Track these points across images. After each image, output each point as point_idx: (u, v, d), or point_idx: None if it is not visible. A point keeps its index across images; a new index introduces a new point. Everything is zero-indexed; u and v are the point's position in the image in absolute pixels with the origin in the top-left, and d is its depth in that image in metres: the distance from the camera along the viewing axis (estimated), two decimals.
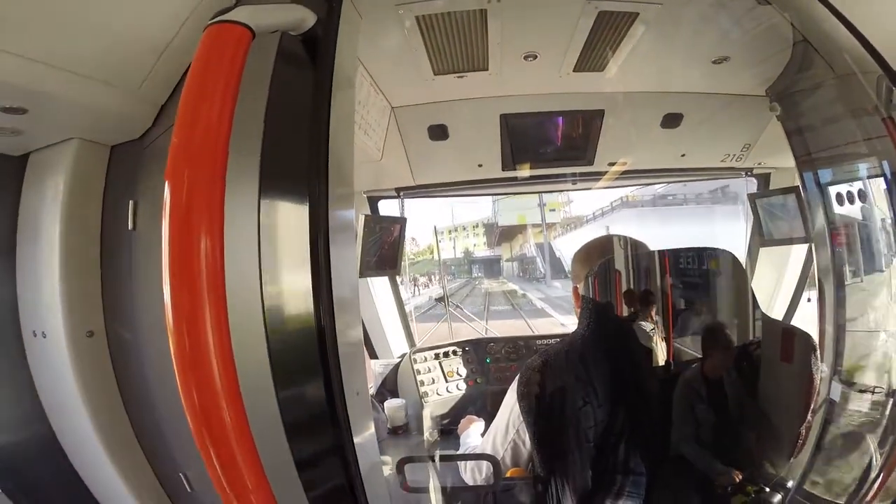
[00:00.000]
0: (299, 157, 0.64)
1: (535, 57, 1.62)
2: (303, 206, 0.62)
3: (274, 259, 0.62)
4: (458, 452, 1.59)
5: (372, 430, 0.96)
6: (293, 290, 0.63)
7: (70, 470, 1.29)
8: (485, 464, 1.32)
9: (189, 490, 1.16)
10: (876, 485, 1.20)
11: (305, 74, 0.73)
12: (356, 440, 0.79)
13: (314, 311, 0.59)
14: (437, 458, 1.47)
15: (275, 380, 0.62)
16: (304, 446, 0.66)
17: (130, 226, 1.08)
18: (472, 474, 1.37)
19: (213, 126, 0.48)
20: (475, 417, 1.89)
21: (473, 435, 1.73)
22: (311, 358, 0.62)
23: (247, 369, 0.60)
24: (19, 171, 1.18)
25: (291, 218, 0.64)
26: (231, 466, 0.51)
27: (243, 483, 0.52)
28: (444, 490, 1.32)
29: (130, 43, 0.92)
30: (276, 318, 0.62)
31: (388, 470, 1.48)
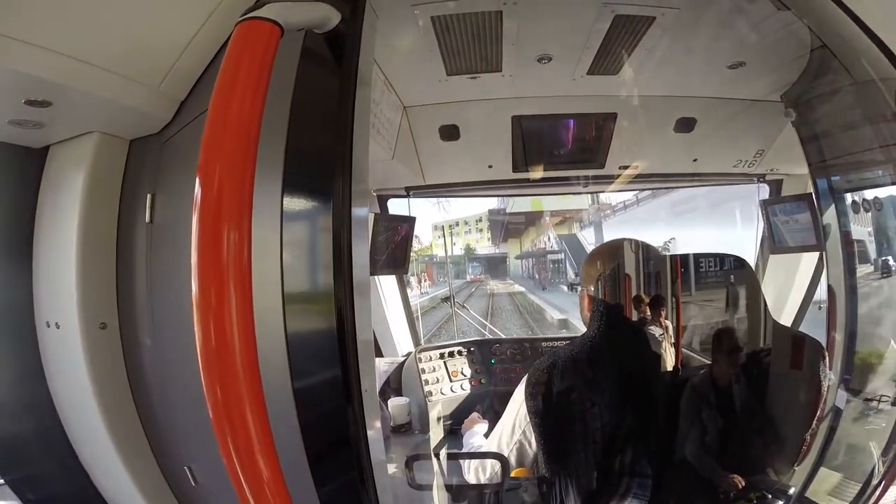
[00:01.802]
0: (322, 154, 0.65)
1: (550, 59, 1.62)
2: (325, 203, 0.63)
3: (295, 254, 0.63)
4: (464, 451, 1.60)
5: (379, 427, 0.97)
6: (313, 285, 0.63)
7: (75, 461, 1.30)
8: (489, 463, 1.32)
9: (194, 483, 1.17)
10: (878, 492, 1.20)
11: (328, 72, 0.74)
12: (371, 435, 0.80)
13: (335, 307, 0.60)
14: (444, 456, 1.48)
15: (292, 374, 0.63)
16: (318, 442, 0.67)
17: (147, 219, 1.09)
18: (476, 473, 1.37)
19: (245, 121, 0.49)
20: (478, 418, 1.90)
21: (477, 435, 1.73)
22: (328, 354, 0.62)
23: (265, 364, 0.61)
24: (39, 164, 1.19)
25: (313, 214, 0.64)
26: (249, 458, 0.52)
27: (259, 475, 0.53)
28: (450, 488, 1.33)
29: (153, 39, 0.93)
30: (295, 312, 0.62)
31: (392, 468, 1.49)
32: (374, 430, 0.85)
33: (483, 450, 1.40)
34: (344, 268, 0.60)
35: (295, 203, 0.64)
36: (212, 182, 0.46)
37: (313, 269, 0.63)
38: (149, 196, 1.08)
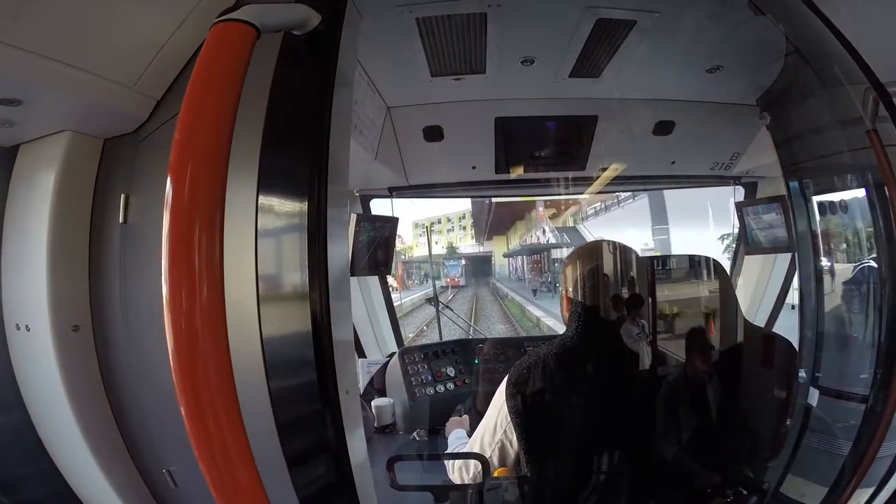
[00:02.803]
0: (298, 156, 0.64)
1: (533, 62, 1.63)
2: (300, 204, 0.62)
3: (270, 256, 0.62)
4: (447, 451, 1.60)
5: (361, 428, 0.97)
6: (288, 287, 0.63)
7: (51, 465, 1.27)
8: (472, 463, 1.33)
9: (174, 486, 1.15)
10: (849, 488, 1.24)
11: (307, 73, 0.73)
12: (350, 438, 0.80)
13: (310, 309, 0.59)
14: (426, 457, 1.48)
15: (268, 377, 0.62)
16: (296, 445, 0.66)
17: (121, 219, 1.06)
18: (460, 473, 1.38)
19: (217, 123, 0.48)
20: (461, 418, 1.90)
21: (461, 435, 1.74)
22: (304, 356, 0.62)
23: (240, 366, 0.61)
24: (8, 163, 1.16)
25: (289, 215, 0.64)
26: (225, 463, 0.51)
27: (237, 480, 0.52)
28: (431, 488, 1.33)
29: (130, 38, 0.92)
30: (270, 314, 0.62)
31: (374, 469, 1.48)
32: (354, 433, 0.85)
33: (465, 449, 1.40)
34: (319, 269, 0.60)
35: (270, 204, 0.63)
36: (183, 182, 0.46)
37: (289, 270, 0.63)
38: (123, 196, 1.05)
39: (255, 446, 0.61)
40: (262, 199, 0.61)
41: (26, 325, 1.15)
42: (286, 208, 0.65)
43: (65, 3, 0.80)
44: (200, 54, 0.51)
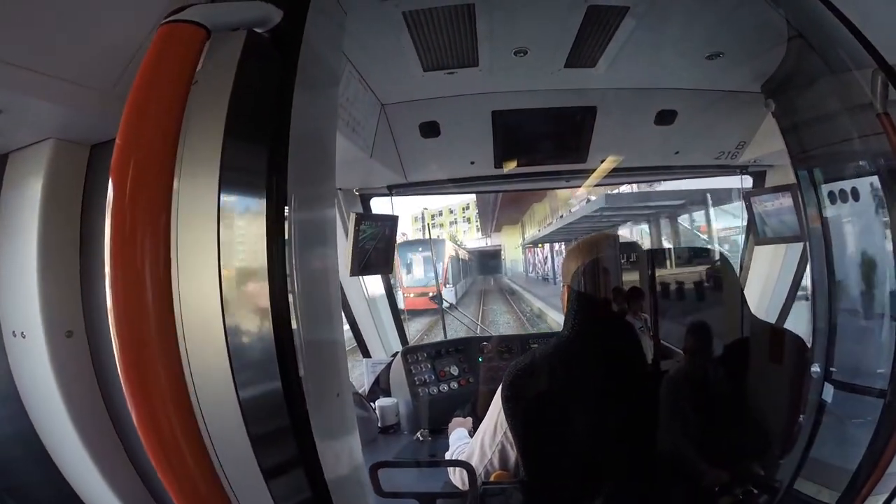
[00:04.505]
0: (262, 155, 0.63)
1: (526, 52, 1.60)
2: (260, 204, 0.61)
3: (233, 259, 0.61)
4: (448, 454, 1.58)
5: (355, 431, 0.95)
6: (253, 291, 0.61)
7: (54, 470, 1.29)
8: (476, 465, 1.31)
9: None
10: (865, 487, 1.19)
11: (273, 71, 0.71)
12: (331, 444, 0.78)
13: (271, 314, 0.58)
14: (414, 463, 1.46)
15: (236, 386, 0.60)
16: (270, 456, 0.65)
17: None
18: (462, 476, 1.36)
19: (161, 125, 0.47)
20: (463, 419, 1.88)
21: (462, 435, 1.72)
22: (272, 362, 0.60)
23: (206, 375, 0.59)
24: None
25: (251, 218, 0.62)
26: (183, 473, 0.50)
27: (197, 490, 0.51)
28: (417, 496, 1.31)
29: (102, 43, 0.91)
30: (235, 321, 0.60)
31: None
32: (335, 440, 0.83)
33: (467, 452, 1.39)
34: (276, 269, 0.58)
35: (232, 208, 0.61)
36: (124, 186, 0.44)
37: (252, 273, 0.61)
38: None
39: (234, 460, 0.60)
40: (224, 203, 0.60)
41: (21, 332, 1.17)
42: (248, 211, 0.63)
43: (35, 10, 0.80)
44: (145, 57, 0.50)
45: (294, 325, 0.60)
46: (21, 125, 1.03)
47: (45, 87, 0.90)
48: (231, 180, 0.60)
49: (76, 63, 0.92)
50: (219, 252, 0.59)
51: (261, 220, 0.59)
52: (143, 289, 0.44)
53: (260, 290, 0.58)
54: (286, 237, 0.60)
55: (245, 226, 0.61)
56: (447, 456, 1.55)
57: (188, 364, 0.56)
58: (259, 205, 0.60)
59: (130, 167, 0.45)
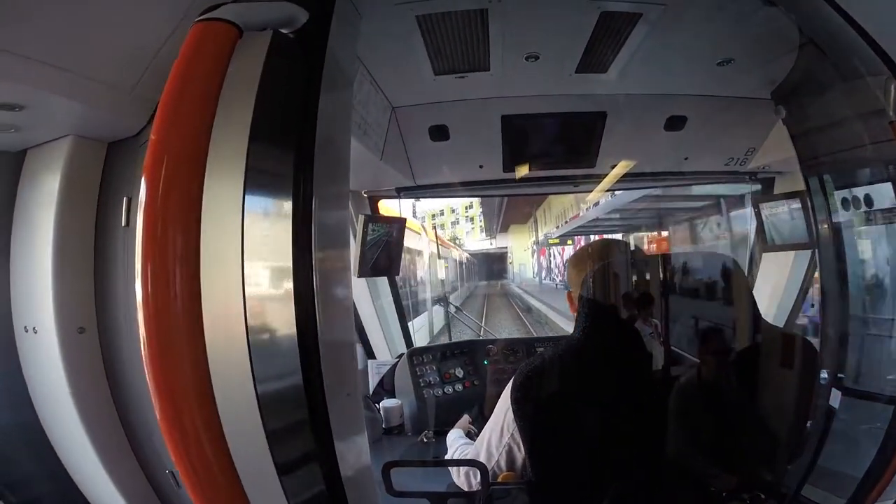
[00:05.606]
0: (284, 155, 0.63)
1: (537, 58, 1.60)
2: (286, 204, 0.61)
3: (257, 257, 0.61)
4: (447, 456, 1.58)
5: (364, 431, 0.95)
6: (275, 290, 0.61)
7: (58, 466, 1.29)
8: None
9: (176, 487, 1.16)
10: (873, 492, 1.18)
11: (298, 71, 0.72)
12: (344, 443, 0.78)
13: (295, 312, 0.58)
14: (428, 462, 1.46)
15: (255, 382, 0.61)
16: (285, 452, 0.65)
17: (124, 222, 1.07)
18: (468, 479, 1.36)
19: (195, 122, 0.48)
20: (468, 423, 1.88)
21: (459, 435, 1.72)
22: (292, 360, 0.61)
23: (226, 372, 0.60)
24: (17, 167, 1.18)
25: (276, 217, 0.63)
26: (203, 467, 0.50)
27: (216, 483, 0.51)
28: (429, 495, 1.31)
29: (126, 42, 0.92)
30: (257, 318, 0.60)
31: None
32: (347, 439, 0.83)
33: (472, 452, 1.38)
34: (304, 271, 0.58)
35: (256, 206, 0.62)
36: (157, 183, 0.45)
37: (275, 272, 0.62)
38: (125, 199, 1.06)
39: (247, 455, 0.60)
40: (249, 201, 0.60)
41: (34, 328, 1.17)
42: (272, 210, 0.63)
43: (59, 9, 0.81)
44: (180, 55, 0.51)
45: (317, 324, 0.61)
46: (41, 121, 1.04)
47: (67, 84, 0.91)
48: (256, 179, 0.60)
49: (98, 61, 0.93)
50: (242, 251, 0.59)
51: (285, 219, 0.59)
52: (173, 284, 0.44)
53: (284, 288, 0.58)
54: (308, 236, 0.60)
55: (269, 226, 0.61)
56: (446, 457, 1.55)
57: (209, 359, 0.56)
58: (283, 204, 0.60)
59: (164, 164, 0.45)
